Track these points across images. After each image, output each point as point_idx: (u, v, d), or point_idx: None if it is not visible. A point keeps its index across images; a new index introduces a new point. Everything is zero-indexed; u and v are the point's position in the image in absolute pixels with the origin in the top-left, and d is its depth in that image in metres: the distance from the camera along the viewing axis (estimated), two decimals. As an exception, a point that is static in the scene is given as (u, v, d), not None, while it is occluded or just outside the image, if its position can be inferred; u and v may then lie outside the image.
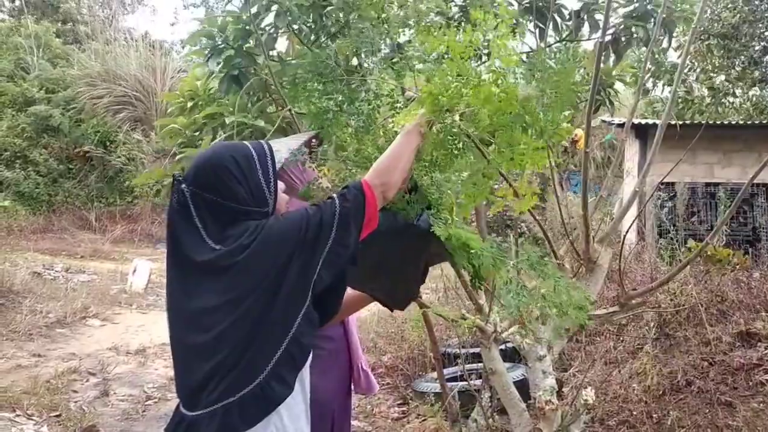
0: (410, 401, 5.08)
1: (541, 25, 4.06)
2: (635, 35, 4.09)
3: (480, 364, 5.35)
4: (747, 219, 9.17)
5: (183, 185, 1.74)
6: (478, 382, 4.89)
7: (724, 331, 4.99)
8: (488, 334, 3.33)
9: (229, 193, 1.74)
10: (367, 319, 8.13)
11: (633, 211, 7.37)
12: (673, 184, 8.79)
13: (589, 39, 4.29)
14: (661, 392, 4.52)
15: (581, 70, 4.80)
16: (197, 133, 3.43)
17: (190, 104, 3.54)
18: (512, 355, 5.03)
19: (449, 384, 4.66)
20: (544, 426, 3.11)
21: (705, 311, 5.13)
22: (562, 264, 3.52)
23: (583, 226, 3.26)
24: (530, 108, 4.23)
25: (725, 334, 4.92)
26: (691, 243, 5.91)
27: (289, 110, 3.11)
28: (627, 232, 3.81)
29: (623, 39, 4.20)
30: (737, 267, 5.36)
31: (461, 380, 5.07)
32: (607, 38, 4.09)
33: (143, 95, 16.86)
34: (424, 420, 4.62)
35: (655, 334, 4.93)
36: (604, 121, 11.91)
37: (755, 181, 9.78)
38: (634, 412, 4.38)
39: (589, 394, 3.11)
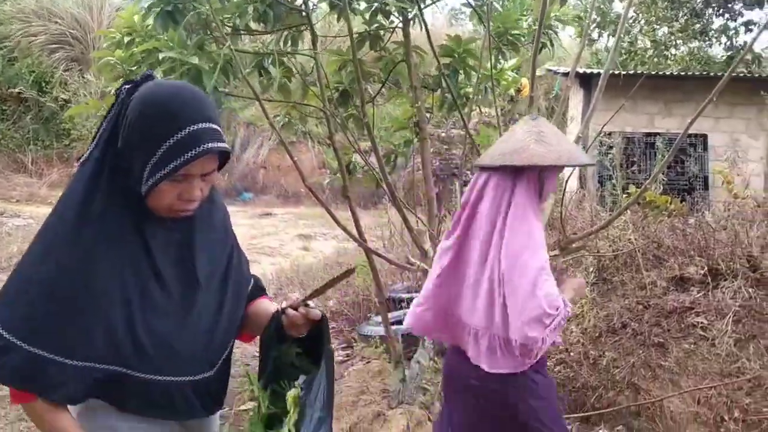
0: (354, 345, 5.14)
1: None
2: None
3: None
4: (684, 169, 9.42)
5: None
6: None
7: (659, 275, 5.15)
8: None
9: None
10: (312, 266, 8.15)
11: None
12: (615, 133, 8.95)
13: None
14: (597, 334, 4.66)
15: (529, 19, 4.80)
16: (135, 68, 3.31)
17: (127, 39, 3.40)
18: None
19: (393, 327, 4.72)
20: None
21: (642, 256, 5.29)
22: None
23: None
24: (473, 51, 4.22)
25: (660, 279, 5.08)
26: (631, 188, 6.03)
27: (230, 48, 3.03)
28: (568, 179, 3.86)
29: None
30: (674, 213, 5.52)
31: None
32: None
33: (80, 34, 16.19)
34: (368, 362, 4.69)
35: (593, 279, 5.07)
36: (549, 70, 11.99)
37: (693, 132, 10.05)
38: (572, 353, 4.52)
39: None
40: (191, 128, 1.50)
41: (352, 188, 4.03)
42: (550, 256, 3.42)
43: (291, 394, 1.69)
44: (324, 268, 7.95)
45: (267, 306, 1.88)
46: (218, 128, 1.56)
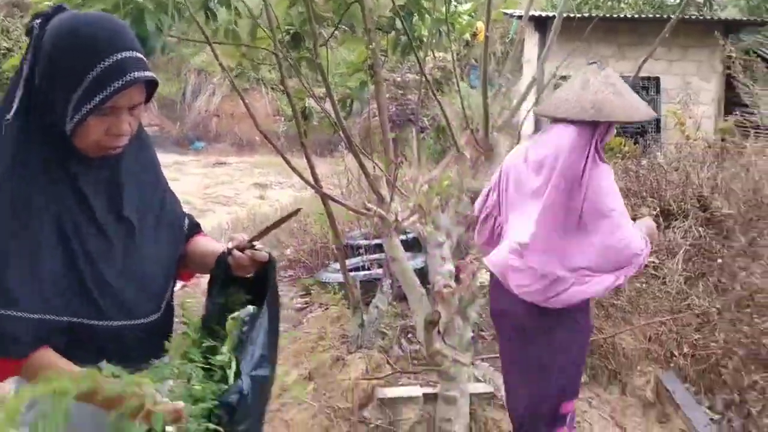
0: (313, 292, 5.14)
1: None
2: None
3: (382, 255, 5.45)
4: (637, 112, 9.50)
5: None
6: (379, 271, 4.99)
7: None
8: (390, 223, 3.34)
9: None
10: (269, 215, 8.08)
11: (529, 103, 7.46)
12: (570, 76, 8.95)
13: None
14: (552, 276, 4.73)
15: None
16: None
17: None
18: (414, 245, 5.12)
19: (353, 274, 4.73)
20: (443, 308, 3.19)
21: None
22: (462, 153, 3.56)
23: (483, 115, 3.27)
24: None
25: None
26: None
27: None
28: (524, 120, 3.85)
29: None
30: (627, 156, 5.58)
31: (363, 270, 5.16)
32: None
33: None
34: (326, 309, 4.69)
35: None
36: (505, 14, 11.90)
37: (646, 75, 10.11)
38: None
39: (485, 277, 3.21)
40: (115, 57, 1.41)
41: (308, 135, 3.97)
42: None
43: (231, 318, 1.64)
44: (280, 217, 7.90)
45: (204, 243, 1.84)
46: (143, 57, 1.48)
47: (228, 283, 1.70)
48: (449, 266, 3.40)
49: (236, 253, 1.66)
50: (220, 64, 2.97)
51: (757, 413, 3.47)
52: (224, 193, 11.09)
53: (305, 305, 5.15)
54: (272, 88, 15.43)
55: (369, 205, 3.42)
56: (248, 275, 1.70)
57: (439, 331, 3.23)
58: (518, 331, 2.89)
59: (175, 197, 1.85)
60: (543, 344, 2.80)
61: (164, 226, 1.74)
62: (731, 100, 9.36)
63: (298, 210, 1.84)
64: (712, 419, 3.71)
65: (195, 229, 1.89)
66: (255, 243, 1.68)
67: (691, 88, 9.45)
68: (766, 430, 3.46)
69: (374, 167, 3.91)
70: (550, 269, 2.65)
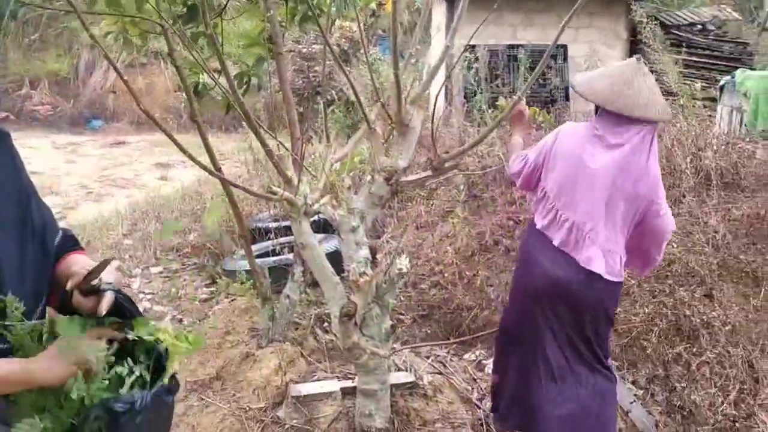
0: (218, 281, 4.79)
1: None
2: None
3: (291, 238, 5.15)
4: (546, 80, 9.48)
5: None
6: (290, 256, 4.69)
7: (528, 189, 5.10)
8: (298, 207, 3.06)
9: None
10: (170, 197, 7.61)
11: (440, 75, 7.27)
12: (479, 46, 8.81)
13: None
14: (470, 253, 4.58)
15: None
16: None
17: None
18: (325, 227, 4.86)
19: (261, 260, 4.42)
20: (358, 298, 2.95)
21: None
22: (373, 129, 3.29)
23: (394, 87, 3.01)
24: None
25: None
26: (501, 101, 5.90)
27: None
28: (438, 94, 3.61)
29: None
30: (542, 125, 5.44)
31: (274, 255, 4.85)
32: None
33: None
34: (233, 300, 4.37)
35: (464, 197, 4.95)
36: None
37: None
38: (446, 274, 4.41)
39: (403, 263, 2.98)
40: None
41: (204, 111, 3.61)
42: (422, 177, 3.22)
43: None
44: (182, 199, 7.44)
45: (81, 264, 1.52)
46: None
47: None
48: (364, 252, 3.16)
49: (76, 297, 1.37)
50: (91, 36, 2.57)
51: (682, 388, 3.40)
52: (123, 175, 10.46)
53: (210, 296, 4.82)
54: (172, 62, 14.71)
55: (275, 188, 3.12)
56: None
57: (356, 323, 3.00)
58: (572, 300, 2.99)
59: (44, 205, 1.55)
60: (600, 313, 3.00)
61: (29, 233, 1.46)
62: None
63: (110, 260, 1.50)
64: (636, 395, 3.63)
65: (70, 245, 1.56)
66: (98, 281, 1.39)
67: (597, 56, 9.47)
68: (690, 405, 3.40)
69: (278, 146, 3.60)
70: (612, 246, 2.92)
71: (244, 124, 9.05)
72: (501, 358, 3.31)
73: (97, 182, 9.80)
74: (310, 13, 3.81)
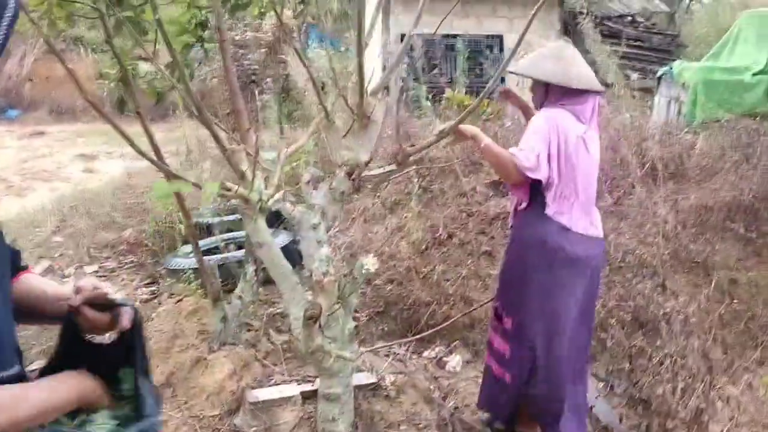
0: (160, 280, 4.55)
1: None
2: None
3: (237, 233, 4.94)
4: (482, 71, 9.48)
5: None
6: (237, 253, 4.49)
7: (478, 181, 5.05)
8: (253, 203, 2.89)
9: None
10: (99, 191, 7.24)
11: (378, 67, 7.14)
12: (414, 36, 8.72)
13: None
14: (425, 247, 4.48)
15: None
16: None
17: None
18: (271, 220, 4.67)
19: (206, 258, 4.20)
20: (323, 299, 2.80)
21: (459, 163, 5.15)
22: (332, 121, 3.14)
23: (357, 76, 2.86)
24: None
25: (479, 185, 4.98)
26: (448, 93, 5.85)
27: None
28: (396, 82, 3.50)
29: None
30: (491, 117, 5.41)
31: (218, 253, 4.64)
32: None
33: None
34: (179, 301, 4.13)
35: (418, 190, 4.84)
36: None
37: (490, 33, 10.09)
38: (401, 269, 4.30)
39: (370, 262, 2.84)
40: None
41: (131, 101, 3.38)
42: (387, 171, 3.09)
43: None
44: (113, 193, 7.07)
45: (34, 284, 1.34)
46: None
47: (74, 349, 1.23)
48: (326, 250, 3.01)
49: (89, 312, 1.19)
50: (31, 20, 2.33)
51: (649, 384, 3.40)
52: (45, 167, 9.91)
53: (152, 296, 4.56)
54: (92, 50, 14.09)
55: (229, 184, 2.93)
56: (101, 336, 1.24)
57: (320, 326, 2.85)
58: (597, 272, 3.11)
59: None
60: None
61: None
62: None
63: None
64: (597, 388, 3.62)
65: (18, 264, 1.37)
66: (114, 297, 1.22)
67: (532, 46, 9.52)
68: (653, 397, 3.40)
69: (229, 139, 3.41)
70: None
71: (176, 112, 8.70)
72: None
73: (18, 175, 9.26)
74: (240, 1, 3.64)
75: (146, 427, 1.23)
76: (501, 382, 3.12)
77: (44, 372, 1.22)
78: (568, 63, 2.93)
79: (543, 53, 3.06)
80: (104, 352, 1.28)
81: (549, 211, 2.92)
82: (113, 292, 1.28)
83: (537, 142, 2.83)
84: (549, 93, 2.97)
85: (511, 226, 3.20)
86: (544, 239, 2.93)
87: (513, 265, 3.09)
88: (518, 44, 2.60)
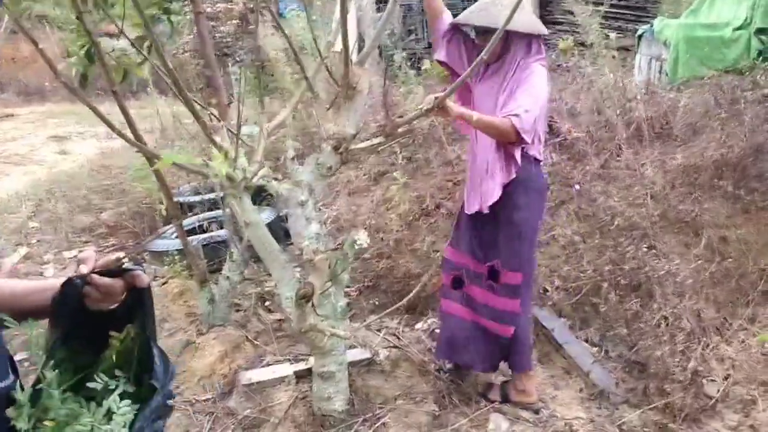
0: (145, 263, 4.44)
1: None
2: None
3: (219, 212, 4.83)
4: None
5: None
6: (222, 232, 4.39)
7: (462, 149, 4.96)
8: (237, 182, 2.79)
9: None
10: (75, 174, 7.07)
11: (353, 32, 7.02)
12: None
13: None
14: (412, 218, 4.41)
15: None
16: None
17: None
18: (254, 197, 4.57)
19: (191, 239, 4.10)
20: (315, 278, 2.72)
21: (443, 131, 5.06)
22: (316, 93, 3.04)
23: (342, 45, 2.75)
24: None
25: (463, 153, 4.89)
26: (426, 64, 5.74)
27: None
28: (374, 50, 3.39)
29: None
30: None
31: (201, 232, 4.54)
32: None
33: None
34: (164, 283, 4.03)
35: (402, 161, 4.75)
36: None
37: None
38: (389, 243, 4.23)
39: (362, 238, 2.76)
40: None
41: (109, 79, 3.24)
42: (375, 144, 3.00)
43: None
44: (89, 174, 6.91)
45: (3, 287, 1.28)
46: None
47: (76, 324, 1.19)
48: (315, 227, 2.94)
49: (100, 279, 1.17)
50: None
51: (645, 348, 3.38)
52: (17, 150, 9.68)
53: (136, 279, 4.45)
54: (59, 27, 13.70)
55: (211, 164, 2.83)
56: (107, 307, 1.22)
57: (312, 305, 2.78)
58: None
59: None
60: None
61: None
62: (545, 19, 9.45)
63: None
64: (592, 354, 3.60)
65: None
66: (124, 260, 1.22)
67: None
68: (649, 360, 3.38)
69: (208, 115, 3.29)
70: None
71: (146, 89, 8.48)
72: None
73: (-11, 159, 9.04)
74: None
75: (158, 403, 1.19)
76: (501, 340, 3.14)
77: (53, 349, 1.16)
78: (523, 11, 2.73)
79: (486, 2, 2.91)
80: (115, 315, 1.24)
81: (539, 156, 3.01)
82: (122, 257, 1.25)
83: (533, 106, 2.78)
84: (511, 44, 2.89)
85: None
86: (526, 176, 2.96)
87: (505, 215, 3.04)
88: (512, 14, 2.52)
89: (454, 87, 2.71)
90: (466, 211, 3.16)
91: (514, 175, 2.92)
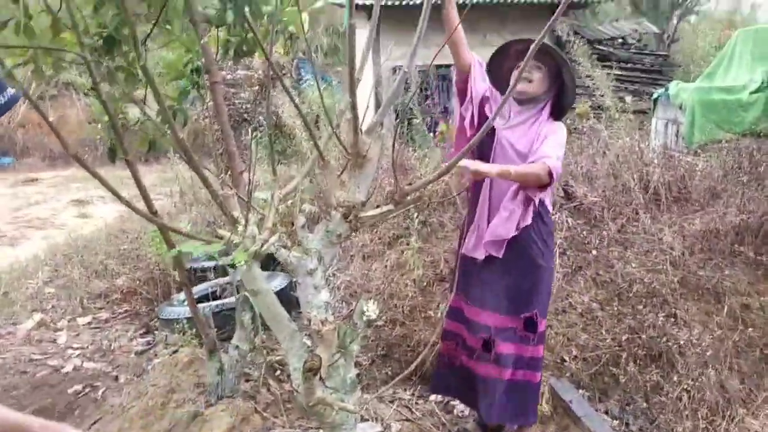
0: (156, 331, 4.40)
1: None
2: None
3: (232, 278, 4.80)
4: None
5: None
6: (233, 299, 4.35)
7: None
8: (247, 250, 2.76)
9: None
10: (93, 238, 7.11)
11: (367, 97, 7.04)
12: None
13: None
14: (426, 283, 4.34)
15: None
16: None
17: None
18: (266, 263, 4.54)
19: (201, 305, 4.06)
20: (323, 350, 2.67)
21: (458, 195, 5.02)
22: (327, 160, 3.03)
23: (351, 114, 2.76)
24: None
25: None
26: (442, 126, 5.76)
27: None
28: (391, 118, 3.39)
29: None
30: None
31: (214, 300, 4.50)
32: None
33: None
34: (174, 352, 3.98)
35: (418, 225, 4.71)
36: (331, 3, 11.48)
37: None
38: (403, 309, 4.16)
39: (371, 308, 2.70)
40: None
41: (127, 148, 3.26)
42: (385, 212, 2.97)
43: None
44: (107, 239, 6.95)
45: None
46: None
47: None
48: (324, 296, 2.88)
49: None
50: (9, 73, 2.22)
51: (667, 422, 3.25)
52: (39, 214, 9.80)
53: (147, 346, 4.40)
54: (85, 94, 14.05)
55: (221, 232, 2.81)
56: None
57: (320, 377, 2.71)
58: None
59: None
60: None
61: None
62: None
63: None
64: (612, 427, 3.46)
65: None
66: None
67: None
68: (672, 434, 3.25)
69: (221, 182, 3.29)
70: None
71: (167, 154, 8.59)
72: None
73: (11, 224, 9.13)
74: (245, 48, 3.54)
75: None
76: (533, 386, 3.15)
77: None
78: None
79: None
80: None
81: (549, 206, 3.16)
82: None
83: (561, 152, 2.91)
84: (552, 84, 3.02)
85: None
86: (544, 222, 3.07)
87: (527, 265, 3.06)
88: (519, 76, 2.50)
89: (466, 150, 2.68)
90: (475, 256, 3.12)
91: (529, 221, 2.96)
